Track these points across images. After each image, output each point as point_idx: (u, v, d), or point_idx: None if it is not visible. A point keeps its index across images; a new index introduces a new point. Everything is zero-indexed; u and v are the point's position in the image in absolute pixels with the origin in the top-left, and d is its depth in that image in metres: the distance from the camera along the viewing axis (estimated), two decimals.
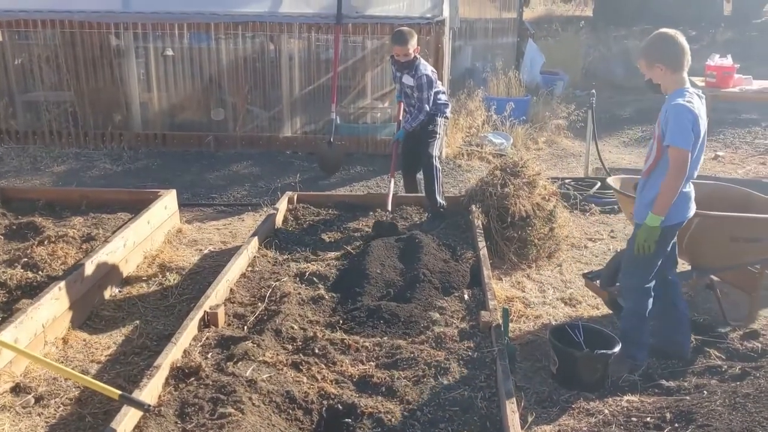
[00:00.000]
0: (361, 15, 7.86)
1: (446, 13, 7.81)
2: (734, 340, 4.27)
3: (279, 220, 5.71)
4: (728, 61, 8.27)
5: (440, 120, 6.01)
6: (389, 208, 5.72)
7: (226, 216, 6.62)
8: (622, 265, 4.05)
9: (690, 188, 3.78)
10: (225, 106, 8.55)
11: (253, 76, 8.37)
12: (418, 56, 5.79)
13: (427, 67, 5.82)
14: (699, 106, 3.60)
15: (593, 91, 7.54)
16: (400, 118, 6.08)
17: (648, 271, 3.85)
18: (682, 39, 3.62)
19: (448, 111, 6.15)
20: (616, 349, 3.76)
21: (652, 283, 3.90)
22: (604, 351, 3.72)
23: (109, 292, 4.84)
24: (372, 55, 8.36)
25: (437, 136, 5.95)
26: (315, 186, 7.36)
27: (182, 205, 6.50)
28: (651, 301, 3.93)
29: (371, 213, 5.87)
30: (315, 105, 8.42)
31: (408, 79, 5.81)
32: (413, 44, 5.68)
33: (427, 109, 5.79)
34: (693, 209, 3.83)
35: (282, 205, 5.88)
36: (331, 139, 7.70)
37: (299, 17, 7.93)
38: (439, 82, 6.05)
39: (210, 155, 8.29)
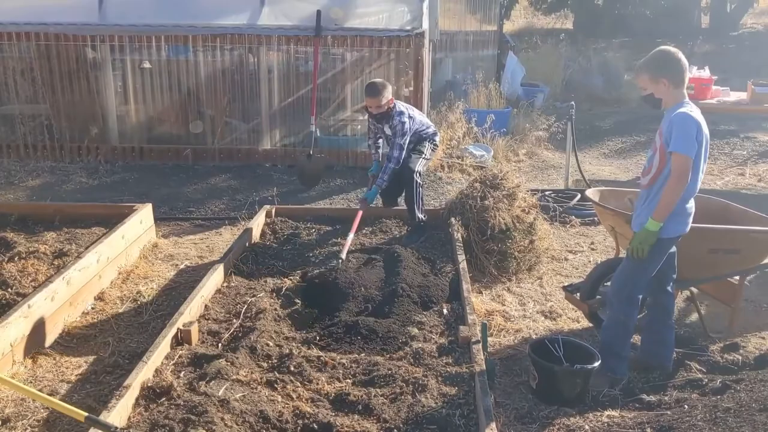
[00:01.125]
0: (341, 27, 7.83)
1: (426, 25, 7.81)
2: (715, 353, 4.25)
3: (257, 234, 5.63)
4: (706, 73, 8.33)
5: (428, 144, 5.91)
6: (343, 256, 5.01)
7: (204, 230, 6.53)
8: (615, 274, 4.00)
9: (692, 204, 3.78)
10: (203, 118, 8.48)
11: (232, 89, 8.31)
12: (392, 106, 5.59)
13: (402, 114, 5.60)
14: (700, 117, 3.68)
15: (572, 103, 7.55)
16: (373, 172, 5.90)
17: (640, 282, 3.84)
18: (682, 56, 3.72)
19: (437, 139, 6.08)
20: (596, 363, 3.71)
21: (640, 296, 3.90)
22: (584, 366, 3.68)
23: (82, 309, 4.72)
24: (352, 67, 8.33)
25: (422, 154, 5.85)
26: (294, 199, 7.29)
27: (159, 219, 6.41)
28: (636, 313, 3.92)
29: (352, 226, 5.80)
30: (295, 117, 8.36)
31: (388, 130, 5.69)
32: (386, 95, 5.50)
33: (399, 157, 5.57)
34: (689, 225, 3.82)
35: (260, 218, 5.80)
36: (311, 152, 7.65)
37: (278, 29, 7.88)
38: (422, 116, 5.97)
39: (188, 168, 8.20)
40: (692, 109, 3.65)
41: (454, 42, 11.66)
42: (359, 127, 8.60)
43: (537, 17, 23.68)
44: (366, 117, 5.96)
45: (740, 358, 4.15)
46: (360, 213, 5.53)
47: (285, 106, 8.34)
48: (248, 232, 5.48)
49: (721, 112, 10.13)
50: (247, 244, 5.36)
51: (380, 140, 6.01)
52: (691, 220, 3.81)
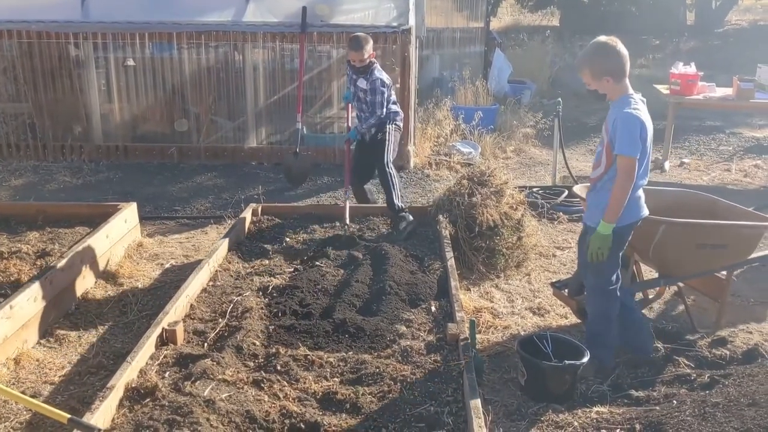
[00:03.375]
0: (326, 24, 7.78)
1: (412, 21, 7.78)
2: (703, 348, 4.24)
3: (243, 232, 5.58)
4: (692, 69, 8.34)
5: (390, 127, 6.00)
6: (347, 220, 5.58)
7: (189, 229, 6.46)
8: (583, 270, 4.05)
9: (640, 192, 3.82)
10: (188, 116, 8.40)
11: (217, 86, 8.24)
12: (374, 61, 5.86)
13: (382, 73, 5.88)
14: (644, 112, 3.68)
15: (559, 99, 7.54)
16: (349, 123, 6.17)
17: (610, 272, 3.88)
18: (621, 46, 3.68)
19: (399, 119, 6.11)
20: (585, 359, 3.70)
21: (618, 284, 3.93)
22: (573, 362, 3.66)
23: (65, 310, 4.66)
24: (338, 64, 8.28)
25: (387, 143, 5.95)
26: (281, 197, 7.24)
27: (143, 218, 6.34)
28: (617, 302, 3.96)
29: (339, 224, 5.77)
30: (281, 115, 8.30)
31: (362, 83, 5.85)
32: (368, 50, 5.75)
33: (379, 113, 5.83)
34: (645, 209, 3.88)
35: (246, 217, 5.75)
36: (297, 150, 7.59)
37: (263, 26, 7.82)
38: (393, 93, 6.11)
39: (173, 167, 8.12)
40: (636, 106, 3.65)
41: (441, 39, 11.63)
42: (346, 124, 8.54)
43: (524, 14, 23.70)
44: (346, 69, 6.19)
45: (728, 353, 4.15)
46: (348, 154, 6.04)
47: (271, 103, 8.28)
48: (234, 230, 5.43)
49: (707, 108, 10.18)
50: (233, 243, 5.31)
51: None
52: (642, 203, 3.86)
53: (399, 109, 6.15)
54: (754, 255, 4.52)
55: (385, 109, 5.86)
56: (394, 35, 7.70)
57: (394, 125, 6.04)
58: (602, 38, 3.76)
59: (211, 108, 8.39)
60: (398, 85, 7.88)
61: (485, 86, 10.41)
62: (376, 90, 5.77)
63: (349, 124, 6.17)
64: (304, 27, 7.64)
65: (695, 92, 8.29)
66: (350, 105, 6.16)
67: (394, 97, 6.14)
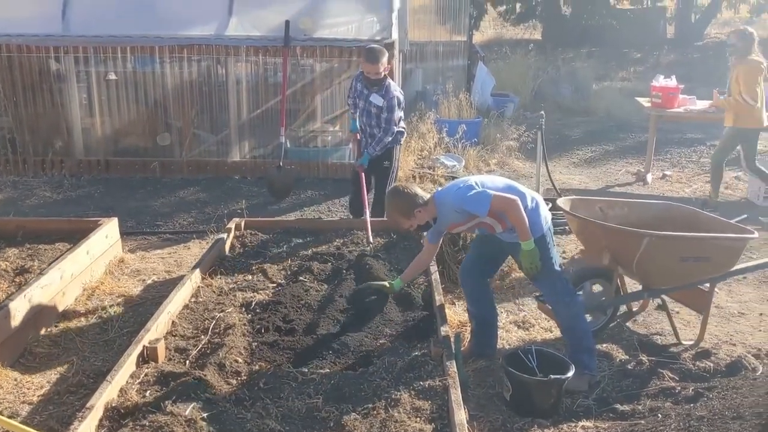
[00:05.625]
0: (310, 38, 7.78)
1: (395, 35, 7.80)
2: (687, 361, 4.26)
3: (225, 247, 5.53)
4: (672, 81, 8.43)
5: (397, 152, 6.00)
6: (371, 239, 5.46)
7: (172, 244, 6.41)
8: (538, 286, 4.26)
9: (531, 201, 3.99)
10: (171, 130, 8.35)
11: (200, 100, 8.21)
12: (387, 75, 5.73)
13: (396, 88, 5.79)
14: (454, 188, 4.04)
15: (542, 113, 7.57)
16: (355, 146, 6.02)
17: (561, 277, 4.07)
18: (411, 186, 4.07)
19: (403, 139, 6.11)
20: (570, 374, 3.69)
21: (572, 287, 4.17)
22: (558, 376, 3.65)
23: (45, 328, 4.58)
24: (321, 77, 8.28)
25: (393, 170, 5.96)
26: (264, 211, 7.20)
27: (125, 233, 6.28)
28: (579, 299, 4.19)
29: (323, 238, 5.74)
30: (264, 129, 8.27)
31: (377, 99, 5.70)
32: (384, 62, 5.61)
33: (395, 130, 5.76)
34: (548, 213, 4.10)
35: (229, 232, 5.70)
36: (281, 164, 7.57)
37: (246, 40, 7.80)
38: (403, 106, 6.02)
39: (155, 181, 8.06)
40: (444, 198, 3.95)
41: (425, 52, 11.67)
42: (329, 138, 8.54)
43: (506, 28, 23.86)
44: (351, 84, 6.00)
45: (712, 365, 4.16)
46: (362, 174, 5.83)
47: (254, 117, 8.25)
48: (217, 245, 5.38)
49: (688, 121, 10.25)
50: (216, 258, 5.26)
51: (357, 107, 5.89)
52: (541, 210, 4.03)
53: (405, 126, 6.12)
54: (736, 267, 4.54)
55: (397, 127, 5.79)
56: None
57: (399, 147, 6.03)
58: (394, 187, 4.22)
59: (194, 122, 8.35)
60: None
61: (468, 99, 10.45)
62: (393, 108, 5.67)
63: (358, 150, 5.98)
64: (288, 41, 7.63)
65: (676, 105, 8.37)
66: (356, 135, 5.96)
67: (402, 114, 6.03)
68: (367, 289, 4.40)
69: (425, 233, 4.28)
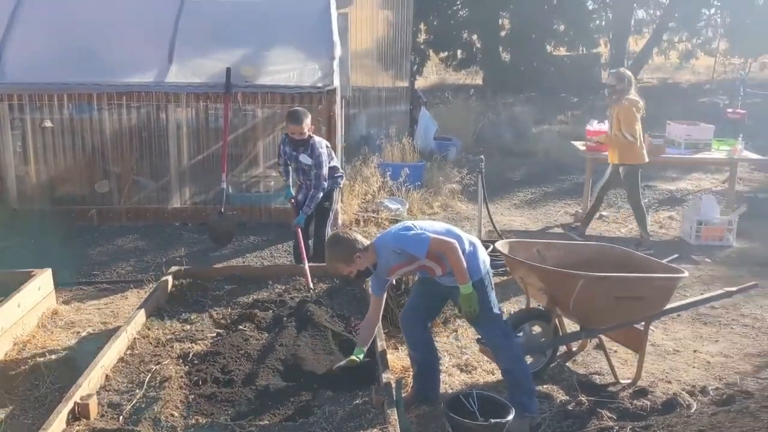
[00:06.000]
0: (251, 84, 7.78)
1: (337, 82, 7.88)
2: (624, 399, 4.32)
3: (164, 297, 5.41)
4: (606, 126, 8.71)
5: (336, 194, 6.26)
6: (311, 286, 5.59)
7: (108, 294, 6.24)
8: (477, 329, 4.25)
9: (471, 247, 4.04)
10: (110, 177, 8.20)
11: (140, 146, 8.10)
12: (312, 134, 5.93)
13: (322, 143, 5.99)
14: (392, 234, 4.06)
15: (482, 156, 7.72)
16: (295, 195, 6.20)
17: (499, 318, 4.11)
18: (351, 232, 4.11)
19: (341, 180, 6.34)
20: (510, 416, 3.70)
21: (511, 330, 4.22)
22: (499, 420, 3.66)
23: None
24: (264, 123, 8.29)
25: (331, 213, 6.20)
26: (206, 258, 7.09)
27: (60, 284, 6.09)
28: (520, 344, 4.26)
29: (264, 285, 5.68)
30: (205, 174, 8.19)
31: (305, 158, 5.93)
32: (308, 123, 5.84)
33: (325, 185, 5.94)
34: (486, 257, 4.13)
35: (167, 280, 5.59)
36: (222, 210, 7.49)
37: (187, 87, 7.75)
38: (333, 154, 6.21)
39: (93, 230, 7.86)
40: (384, 241, 3.98)
41: (368, 98, 11.84)
42: (272, 183, 8.52)
43: (449, 73, 24.41)
44: (279, 144, 6.25)
45: (649, 403, 4.23)
46: (299, 233, 5.92)
47: (195, 163, 8.17)
48: (155, 295, 5.28)
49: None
50: (153, 308, 5.14)
51: (290, 167, 6.16)
52: (479, 254, 4.07)
53: (338, 164, 6.33)
54: (670, 305, 4.67)
55: (327, 182, 5.96)
56: (319, 95, 7.77)
57: (338, 188, 6.29)
58: (329, 240, 4.25)
59: (134, 168, 8.22)
60: None
61: (412, 143, 10.60)
62: (321, 165, 5.88)
63: (295, 210, 6.17)
64: (229, 87, 7.63)
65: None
66: (291, 200, 6.20)
67: (336, 163, 6.31)
68: (337, 371, 4.22)
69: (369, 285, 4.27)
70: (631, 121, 7.43)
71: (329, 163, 6.06)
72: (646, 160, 7.67)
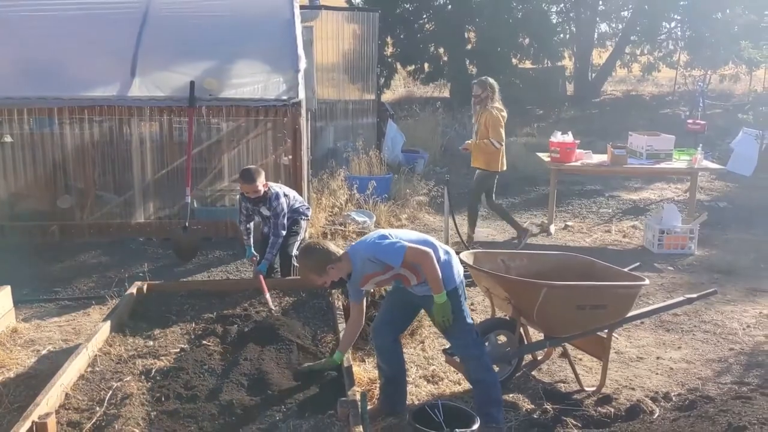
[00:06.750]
0: (215, 98, 7.74)
1: (302, 95, 7.87)
2: (589, 407, 4.36)
3: (126, 312, 5.33)
4: (569, 137, 8.84)
5: (303, 222, 6.36)
6: (273, 306, 5.46)
7: (70, 311, 6.12)
8: (449, 339, 4.24)
9: (446, 256, 4.06)
10: (71, 192, 8.07)
11: (102, 161, 8.01)
12: (267, 189, 5.99)
13: (279, 195, 6.03)
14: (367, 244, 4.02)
15: (447, 168, 7.78)
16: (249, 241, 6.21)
17: (471, 328, 4.10)
18: (324, 242, 4.05)
19: (309, 213, 6.51)
20: (475, 426, 3.70)
21: (481, 340, 4.24)
22: (463, 430, 3.65)
23: None
24: (229, 136, 8.24)
25: (298, 236, 6.27)
26: (170, 273, 7.01)
27: (19, 302, 5.97)
28: (485, 349, 4.24)
29: (229, 300, 5.62)
30: (170, 189, 8.11)
31: (266, 211, 6.05)
32: (261, 180, 5.90)
33: (283, 233, 5.99)
34: (461, 267, 4.16)
35: (130, 296, 5.51)
36: (187, 224, 7.42)
37: (150, 101, 7.68)
38: (293, 193, 6.32)
39: (54, 246, 7.72)
40: (358, 250, 3.97)
41: (335, 111, 11.86)
42: (238, 196, 8.44)
43: (417, 86, 24.53)
44: (240, 205, 6.21)
45: (613, 410, 4.28)
46: (262, 278, 5.69)
47: (159, 177, 8.09)
48: (117, 311, 5.18)
49: (585, 174, 10.76)
50: (116, 324, 5.05)
51: (251, 222, 6.22)
52: (454, 263, 4.09)
53: (308, 205, 6.55)
54: (632, 313, 4.73)
55: (285, 230, 6.02)
56: (284, 108, 7.75)
57: (305, 219, 6.40)
58: (301, 250, 4.15)
59: (96, 183, 8.11)
60: (290, 157, 7.92)
61: (379, 156, 10.62)
62: (279, 215, 5.95)
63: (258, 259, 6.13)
64: (193, 101, 7.58)
65: (573, 159, 8.77)
66: (253, 258, 6.16)
67: (299, 197, 6.43)
68: (308, 372, 4.25)
69: (347, 293, 4.25)
70: (498, 128, 7.64)
71: (293, 206, 6.18)
72: (505, 168, 7.95)
